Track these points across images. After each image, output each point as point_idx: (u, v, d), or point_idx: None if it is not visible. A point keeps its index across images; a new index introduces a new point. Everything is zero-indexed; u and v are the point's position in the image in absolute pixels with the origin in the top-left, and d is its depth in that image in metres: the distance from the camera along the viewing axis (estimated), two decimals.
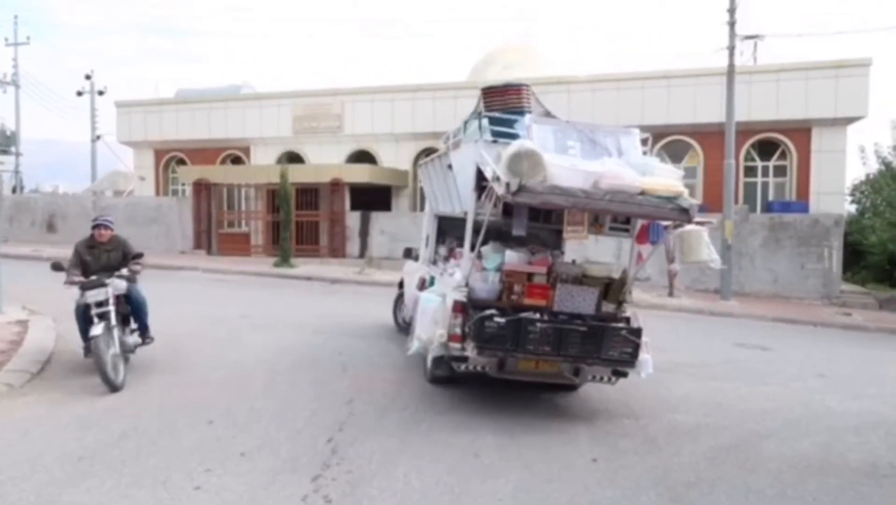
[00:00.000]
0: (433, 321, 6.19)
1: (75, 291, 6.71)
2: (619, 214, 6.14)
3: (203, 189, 22.63)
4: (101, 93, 37.88)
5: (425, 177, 8.80)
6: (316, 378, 7.01)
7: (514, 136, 6.09)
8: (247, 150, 25.85)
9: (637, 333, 6.04)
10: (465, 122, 6.97)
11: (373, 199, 22.72)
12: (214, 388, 6.47)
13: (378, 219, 21.49)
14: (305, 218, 21.64)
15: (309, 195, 21.70)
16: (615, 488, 4.57)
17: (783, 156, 20.62)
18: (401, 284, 10.15)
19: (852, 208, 24.18)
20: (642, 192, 5.53)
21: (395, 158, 23.96)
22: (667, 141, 21.30)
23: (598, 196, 5.43)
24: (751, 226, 17.60)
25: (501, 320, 5.82)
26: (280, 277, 17.58)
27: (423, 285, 7.63)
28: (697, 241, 6.17)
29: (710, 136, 20.15)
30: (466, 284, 6.25)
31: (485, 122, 6.32)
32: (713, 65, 18.30)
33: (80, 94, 37.85)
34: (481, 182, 5.96)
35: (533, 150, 5.41)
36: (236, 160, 26.13)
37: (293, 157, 24.75)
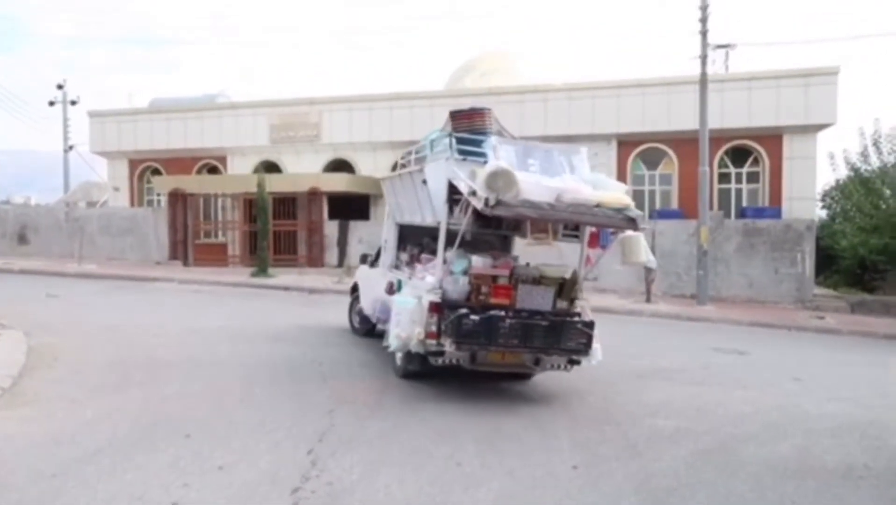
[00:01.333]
0: (411, 321, 6.78)
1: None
2: (579, 224, 7.02)
3: (179, 199, 22.38)
4: (73, 102, 37.34)
5: (389, 189, 9.33)
6: (295, 389, 6.94)
7: (481, 155, 6.82)
8: (223, 160, 25.63)
9: (590, 325, 6.85)
10: (432, 141, 7.58)
11: (351, 207, 22.65)
12: (192, 400, 6.37)
13: (356, 227, 21.42)
14: (283, 227, 21.50)
15: (286, 204, 21.57)
16: (597, 495, 4.58)
17: (756, 162, 20.95)
18: (354, 289, 10.68)
19: (823, 214, 24.64)
20: (598, 205, 6.46)
21: (372, 167, 23.90)
22: (642, 148, 21.54)
23: (561, 208, 6.33)
24: (726, 231, 17.85)
25: (476, 318, 6.52)
26: (258, 287, 17.42)
27: (391, 289, 8.11)
28: (637, 245, 7.25)
29: (684, 143, 20.40)
30: (440, 287, 6.84)
31: (454, 141, 6.95)
32: (686, 73, 18.58)
33: (52, 103, 37.26)
34: (453, 195, 6.77)
35: (508, 170, 6.24)
36: (212, 170, 25.88)
37: (270, 167, 24.58)
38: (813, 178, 20.47)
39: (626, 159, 21.66)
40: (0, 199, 37.99)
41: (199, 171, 25.72)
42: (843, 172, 21.10)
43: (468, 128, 7.40)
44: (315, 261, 21.28)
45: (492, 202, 6.06)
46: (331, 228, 21.66)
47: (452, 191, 6.77)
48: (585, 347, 6.80)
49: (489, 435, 5.69)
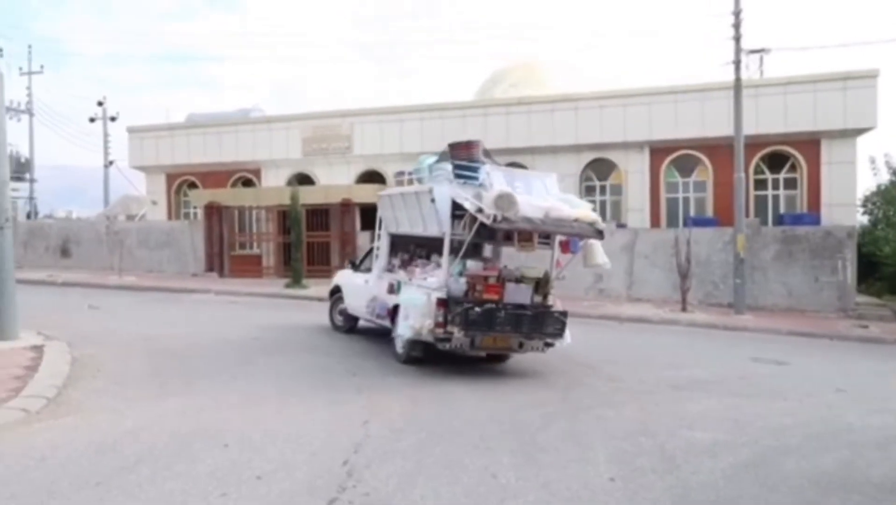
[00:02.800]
0: (422, 314, 8.27)
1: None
2: (562, 234, 8.69)
3: (214, 212, 22.79)
4: (113, 119, 38.39)
5: (387, 204, 10.46)
6: (330, 399, 7.00)
7: (475, 179, 8.44)
8: (257, 173, 26.04)
9: (564, 314, 8.59)
10: (429, 166, 9.20)
11: None
12: (228, 411, 6.46)
13: None
14: (316, 239, 21.73)
15: (319, 216, 21.81)
16: None
17: (793, 168, 20.55)
18: (333, 292, 12.11)
19: (864, 219, 24.00)
20: (576, 220, 8.25)
21: None
22: (675, 156, 21.30)
23: (549, 222, 8.09)
24: (763, 239, 17.50)
25: (479, 310, 8.09)
26: (292, 298, 17.62)
27: (392, 289, 9.60)
28: (597, 250, 9.09)
29: (718, 149, 20.12)
30: (446, 286, 8.33)
31: (455, 168, 8.52)
32: (720, 79, 18.34)
33: (92, 120, 38.38)
34: (455, 211, 8.35)
35: (510, 193, 7.92)
36: (247, 183, 26.30)
37: (303, 179, 24.90)
38: (853, 184, 19.99)
39: (658, 167, 21.44)
40: (43, 213, 39.06)
41: (234, 185, 26.16)
42: (884, 177, 20.54)
43: (466, 157, 8.83)
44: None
45: (499, 218, 7.74)
46: (363, 239, 21.81)
47: (455, 207, 8.33)
48: (560, 332, 8.56)
49: (524, 447, 5.66)
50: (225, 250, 22.93)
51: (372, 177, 24.52)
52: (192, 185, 26.84)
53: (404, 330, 8.64)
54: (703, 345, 12.29)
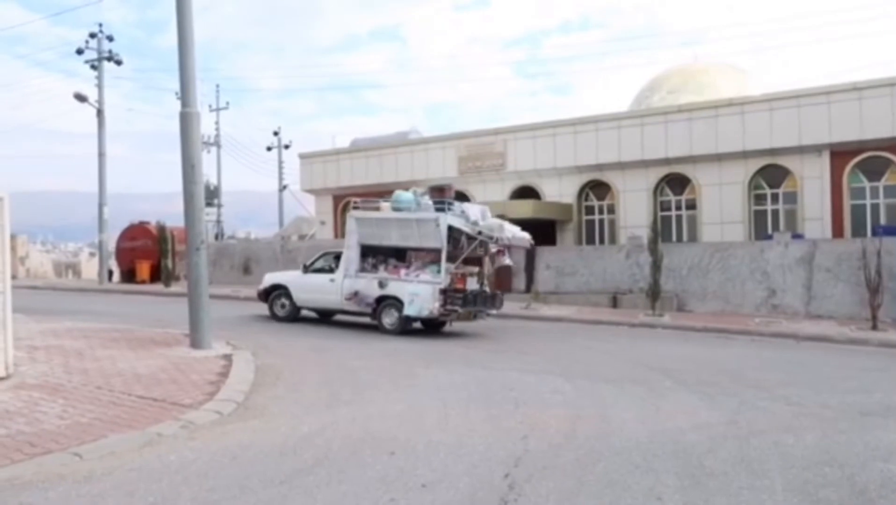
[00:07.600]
0: (432, 299, 12.45)
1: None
2: (518, 247, 14.25)
3: None
4: (286, 147, 41.82)
5: (371, 224, 13.70)
6: (488, 413, 7.10)
7: (459, 210, 12.91)
8: None
9: (503, 295, 14.19)
10: (416, 201, 13.16)
11: (537, 233, 22.72)
12: (394, 421, 6.77)
13: (543, 253, 21.47)
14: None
15: None
16: None
17: None
18: (269, 292, 15.19)
19: None
20: (523, 238, 13.23)
21: (558, 192, 23.93)
22: (861, 158, 19.37)
23: (514, 240, 13.10)
24: None
25: (472, 294, 12.84)
26: None
27: (381, 285, 13.22)
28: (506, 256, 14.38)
29: None
30: (443, 281, 12.50)
31: (449, 204, 12.89)
32: None
33: (269, 149, 42.03)
34: (450, 232, 12.58)
35: (503, 222, 12.85)
36: None
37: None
38: None
39: (840, 171, 19.60)
40: (227, 234, 43.27)
41: None
42: None
43: (449, 197, 13.22)
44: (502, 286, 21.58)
45: (496, 238, 12.57)
46: (517, 254, 21.91)
47: (450, 229, 12.57)
48: (500, 306, 13.85)
49: (691, 470, 5.40)
50: None
51: (525, 192, 24.63)
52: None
53: (416, 311, 12.67)
54: None
